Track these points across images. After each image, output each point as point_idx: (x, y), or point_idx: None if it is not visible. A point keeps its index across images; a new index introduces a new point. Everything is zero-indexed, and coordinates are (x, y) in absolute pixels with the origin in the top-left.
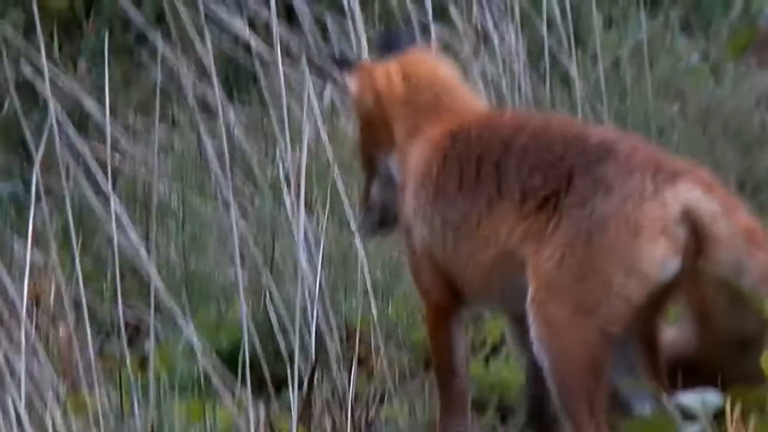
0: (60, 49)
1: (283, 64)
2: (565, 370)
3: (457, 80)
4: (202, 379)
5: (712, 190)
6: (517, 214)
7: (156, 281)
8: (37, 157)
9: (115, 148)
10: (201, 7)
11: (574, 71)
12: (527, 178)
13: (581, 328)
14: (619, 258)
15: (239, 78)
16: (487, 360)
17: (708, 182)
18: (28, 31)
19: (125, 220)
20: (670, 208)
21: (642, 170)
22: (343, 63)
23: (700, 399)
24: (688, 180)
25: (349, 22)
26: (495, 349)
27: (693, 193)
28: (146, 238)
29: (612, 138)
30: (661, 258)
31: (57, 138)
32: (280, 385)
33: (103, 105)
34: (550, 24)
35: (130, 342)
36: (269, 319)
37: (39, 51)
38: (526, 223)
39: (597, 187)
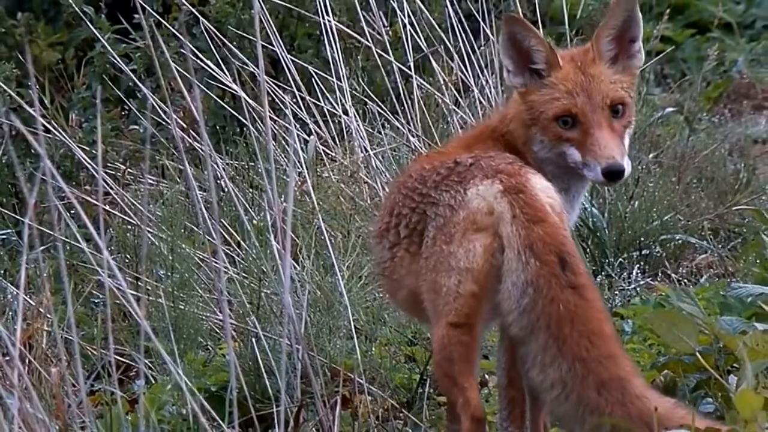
0: (52, 101)
1: (268, 114)
2: (435, 362)
3: None
4: (190, 419)
5: (515, 194)
6: (405, 252)
7: (145, 324)
8: (30, 206)
9: (105, 196)
10: (189, 61)
11: None
12: (409, 217)
13: (437, 327)
14: (441, 264)
15: (227, 129)
16: None
17: (518, 187)
18: (21, 84)
19: (115, 265)
20: (472, 204)
21: (464, 182)
22: None
23: None
24: (495, 180)
25: (333, 74)
26: None
27: (491, 189)
28: (136, 282)
29: (463, 160)
30: (473, 253)
31: (50, 188)
32: (267, 425)
33: (95, 156)
34: None
35: (121, 383)
36: (256, 361)
37: (31, 103)
38: (411, 258)
39: (436, 210)
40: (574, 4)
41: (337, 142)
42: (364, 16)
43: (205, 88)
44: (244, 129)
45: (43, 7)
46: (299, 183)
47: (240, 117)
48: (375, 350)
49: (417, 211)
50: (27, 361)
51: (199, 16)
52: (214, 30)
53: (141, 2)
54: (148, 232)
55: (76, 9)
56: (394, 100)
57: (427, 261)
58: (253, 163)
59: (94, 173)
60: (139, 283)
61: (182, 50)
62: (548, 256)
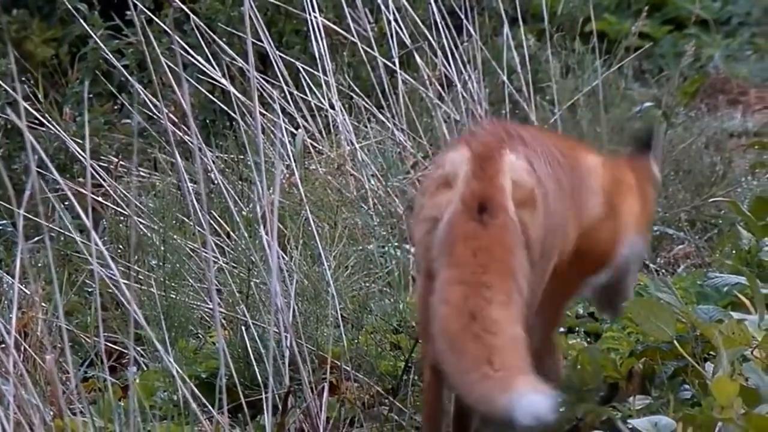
0: (46, 96)
1: (258, 109)
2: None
3: None
4: (181, 405)
5: (474, 159)
6: None
7: (137, 313)
8: (25, 197)
9: (98, 188)
10: (179, 56)
11: (533, 116)
12: None
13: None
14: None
15: (216, 122)
16: None
17: (477, 152)
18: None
19: (108, 256)
20: (441, 169)
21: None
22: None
23: (652, 423)
24: (464, 147)
25: (320, 69)
26: None
27: (457, 154)
28: (128, 272)
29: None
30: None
31: (33, 179)
32: (256, 410)
33: (86, 148)
34: (510, 72)
35: (113, 370)
36: (245, 349)
37: (26, 98)
38: None
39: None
40: (555, 2)
41: (324, 135)
42: (350, 13)
43: (195, 83)
44: (234, 123)
45: (37, 4)
46: (287, 175)
47: (229, 111)
48: (361, 338)
49: None
50: (22, 348)
51: (189, 13)
52: (205, 26)
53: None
54: (140, 223)
55: (70, 6)
56: (380, 94)
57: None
58: (242, 156)
59: (86, 165)
60: (131, 272)
61: (173, 46)
62: (472, 203)
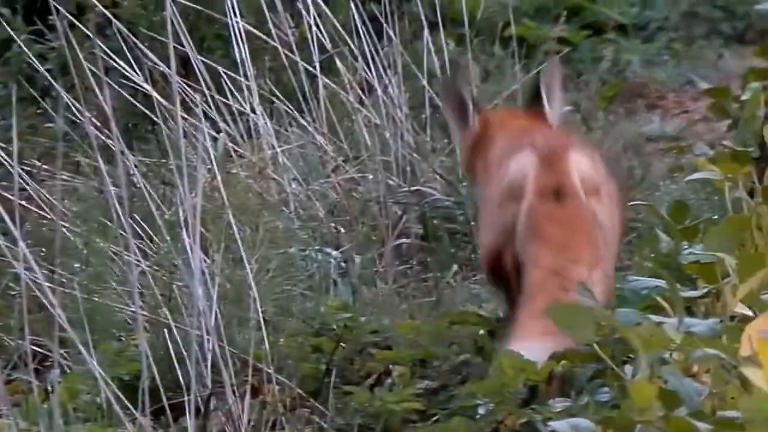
0: None
1: (179, 113)
2: None
3: None
4: (104, 407)
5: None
6: None
7: (61, 316)
8: None
9: (21, 192)
10: (101, 61)
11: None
12: None
13: None
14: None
15: (139, 126)
16: (372, 388)
17: (543, 154)
18: None
19: (32, 259)
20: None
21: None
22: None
23: (572, 425)
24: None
25: (241, 74)
26: (379, 379)
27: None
28: (51, 275)
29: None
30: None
31: None
32: (178, 413)
33: (11, 152)
34: (431, 76)
35: (37, 372)
36: (168, 351)
37: None
38: None
39: None
40: (474, 7)
41: (246, 139)
42: (271, 18)
43: (117, 87)
44: (156, 127)
45: None
46: (209, 179)
47: (152, 115)
48: (283, 341)
49: None
50: None
51: (111, 17)
52: (127, 31)
53: (55, 4)
54: (63, 226)
55: None
56: (301, 99)
57: None
58: (164, 160)
59: (10, 169)
60: (54, 275)
61: (95, 51)
62: (547, 192)
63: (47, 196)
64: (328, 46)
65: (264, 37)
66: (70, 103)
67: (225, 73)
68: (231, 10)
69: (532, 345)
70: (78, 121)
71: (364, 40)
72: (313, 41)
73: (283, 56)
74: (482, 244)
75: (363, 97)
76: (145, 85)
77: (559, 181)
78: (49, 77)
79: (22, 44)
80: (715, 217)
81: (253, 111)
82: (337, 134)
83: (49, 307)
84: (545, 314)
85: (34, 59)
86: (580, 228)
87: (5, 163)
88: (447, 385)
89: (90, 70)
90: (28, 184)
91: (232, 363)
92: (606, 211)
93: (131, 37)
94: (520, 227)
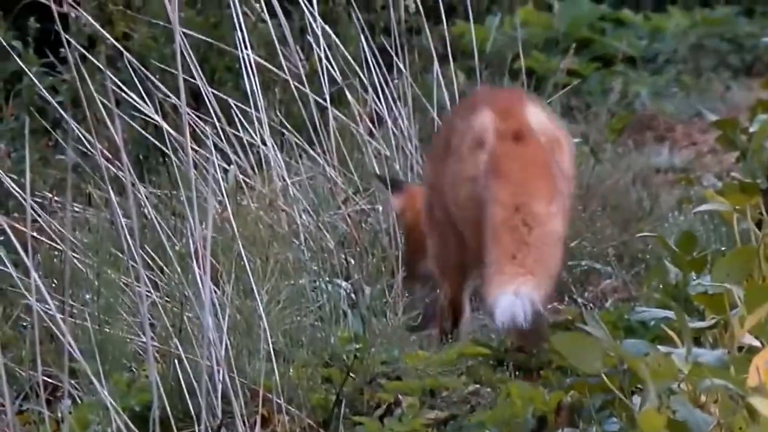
0: None
1: (190, 145)
2: None
3: None
4: None
5: (500, 113)
6: None
7: (72, 346)
8: None
9: (33, 223)
10: (112, 93)
11: None
12: None
13: None
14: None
15: (149, 158)
16: (381, 418)
17: (500, 108)
18: None
19: (44, 290)
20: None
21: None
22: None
23: None
24: (486, 108)
25: (252, 106)
26: (389, 409)
27: (482, 115)
28: (63, 306)
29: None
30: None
31: None
32: None
33: (23, 184)
34: (441, 109)
35: (48, 403)
36: (178, 382)
37: None
38: None
39: None
40: (484, 39)
41: (256, 171)
42: (281, 51)
43: (128, 119)
44: (167, 158)
45: None
46: (219, 211)
47: (162, 147)
48: (293, 371)
49: None
50: None
51: (122, 50)
52: (138, 63)
53: (67, 37)
54: (75, 257)
55: (5, 43)
56: (311, 131)
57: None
58: (175, 192)
59: (23, 201)
60: (66, 306)
61: (106, 83)
62: (507, 135)
63: (58, 227)
64: (338, 78)
65: (274, 69)
66: (81, 135)
67: (235, 105)
68: (241, 43)
69: (512, 295)
70: (89, 152)
71: (374, 72)
72: (323, 73)
73: (294, 88)
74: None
75: (373, 129)
76: (156, 117)
77: (517, 125)
78: (60, 109)
79: (33, 77)
80: (723, 248)
81: (264, 143)
82: (347, 166)
83: (60, 337)
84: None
85: (46, 91)
86: (538, 165)
87: (17, 194)
88: (456, 415)
89: (101, 102)
90: (39, 216)
91: (242, 393)
92: (564, 159)
93: (142, 69)
94: (482, 170)
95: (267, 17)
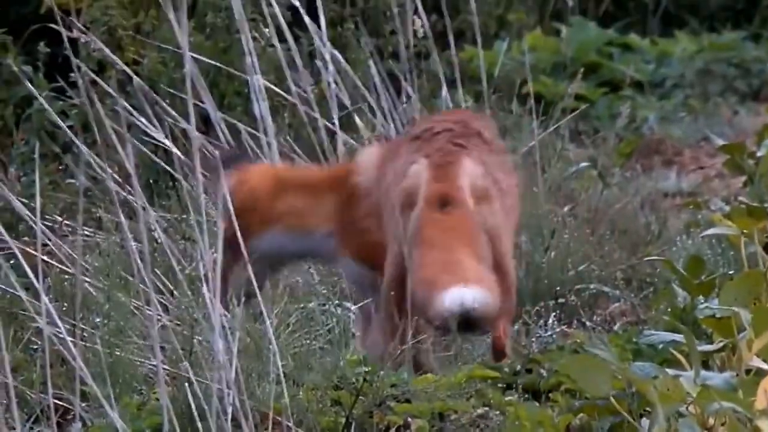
0: None
1: (200, 169)
2: None
3: None
4: None
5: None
6: None
7: (83, 369)
8: None
9: (44, 247)
10: (123, 117)
11: None
12: None
13: None
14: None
15: (159, 182)
16: None
17: (435, 162)
18: None
19: (54, 314)
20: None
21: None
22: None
23: None
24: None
25: (261, 130)
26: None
27: (418, 166)
28: (73, 329)
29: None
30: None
31: None
32: None
33: (33, 208)
34: None
35: (59, 426)
36: (188, 405)
37: None
38: None
39: None
40: (492, 64)
41: None
42: (290, 75)
43: (138, 144)
44: (176, 182)
45: None
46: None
47: (172, 171)
48: (303, 394)
49: None
50: None
51: (132, 74)
52: (148, 88)
53: (77, 62)
54: (85, 281)
55: (15, 69)
56: (320, 155)
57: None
58: (185, 216)
59: (33, 225)
60: (76, 329)
61: (116, 107)
62: (433, 201)
63: (69, 251)
64: (347, 102)
65: (284, 93)
66: (91, 160)
67: (245, 130)
68: (251, 67)
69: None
70: (99, 177)
71: (382, 96)
72: (332, 98)
73: (303, 113)
74: (387, 263)
75: None
76: (166, 142)
77: (447, 191)
78: (70, 134)
79: (43, 101)
80: (731, 272)
81: None
82: None
83: (70, 360)
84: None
85: (56, 116)
86: (462, 233)
87: (28, 218)
88: None
89: (111, 126)
90: (50, 240)
91: (252, 416)
92: (497, 216)
93: (152, 93)
94: (408, 234)
95: (276, 42)
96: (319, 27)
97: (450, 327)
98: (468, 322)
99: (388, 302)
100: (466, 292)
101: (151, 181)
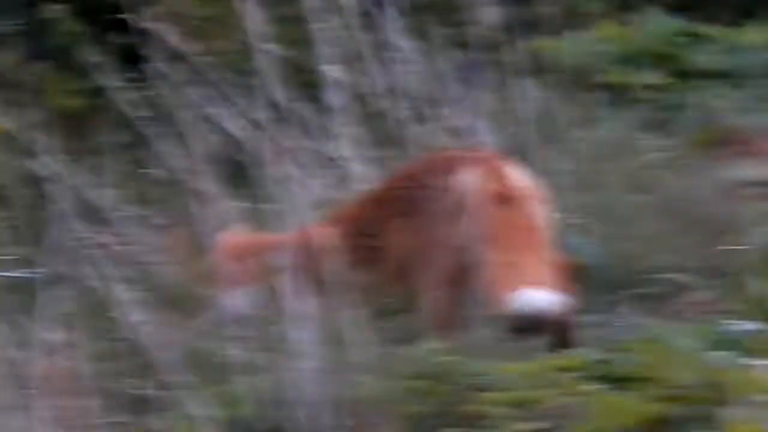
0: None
1: (271, 157)
2: None
3: None
4: None
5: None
6: None
7: (162, 358)
8: (49, 246)
9: (120, 235)
10: (196, 108)
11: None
12: None
13: None
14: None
15: (234, 173)
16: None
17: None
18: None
19: (134, 302)
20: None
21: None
22: None
23: None
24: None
25: (335, 120)
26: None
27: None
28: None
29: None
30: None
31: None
32: None
33: (109, 197)
34: (521, 122)
35: (138, 414)
36: (269, 394)
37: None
38: None
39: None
40: (563, 55)
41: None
42: (363, 66)
43: (212, 133)
44: (250, 173)
45: (56, 58)
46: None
47: (245, 161)
48: (383, 383)
49: None
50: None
51: (206, 65)
52: (221, 79)
53: (151, 52)
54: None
55: (89, 59)
56: (392, 145)
57: None
58: (259, 205)
59: (108, 215)
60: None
61: (191, 98)
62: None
63: (148, 241)
64: (420, 92)
65: (357, 84)
66: (165, 150)
67: (319, 120)
68: (325, 58)
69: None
70: (173, 167)
71: (454, 86)
72: (405, 87)
73: (375, 103)
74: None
75: (453, 142)
76: (238, 131)
77: (501, 189)
78: (144, 124)
79: (117, 92)
80: None
81: (347, 158)
82: None
83: (151, 350)
84: None
85: (130, 106)
86: (527, 232)
87: (104, 208)
88: (547, 428)
89: (185, 117)
90: (127, 230)
91: (332, 405)
92: (547, 214)
93: (226, 84)
94: (471, 234)
95: (349, 32)
96: (391, 17)
97: (519, 327)
98: (536, 324)
99: (442, 303)
100: (536, 295)
101: (225, 170)
